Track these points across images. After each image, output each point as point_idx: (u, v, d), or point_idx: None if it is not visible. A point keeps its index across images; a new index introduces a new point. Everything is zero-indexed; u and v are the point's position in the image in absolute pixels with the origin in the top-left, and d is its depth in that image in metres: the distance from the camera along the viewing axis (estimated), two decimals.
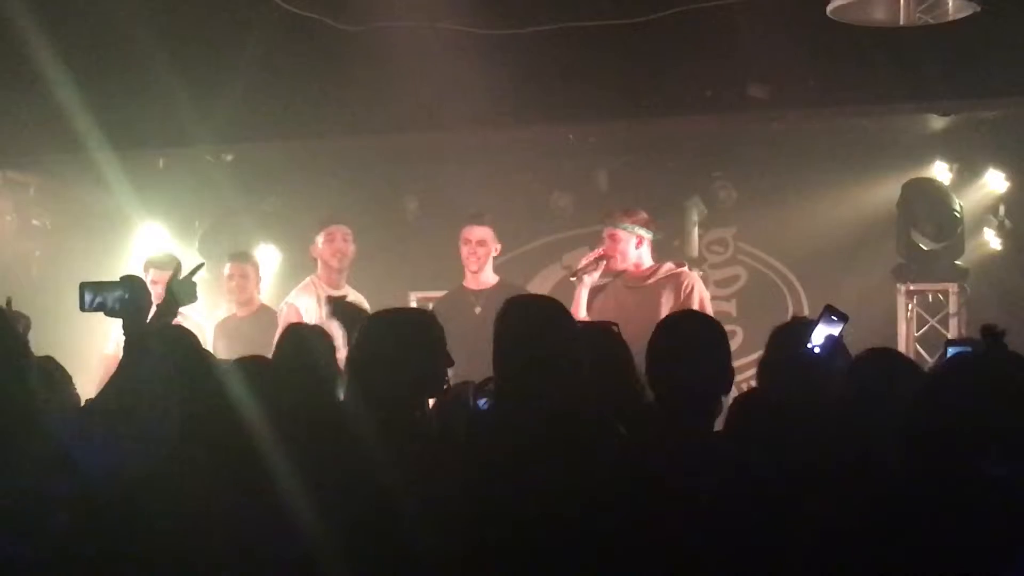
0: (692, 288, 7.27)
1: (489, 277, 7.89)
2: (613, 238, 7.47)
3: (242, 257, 8.72)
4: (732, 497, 3.43)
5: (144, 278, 8.15)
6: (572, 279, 7.56)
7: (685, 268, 7.58)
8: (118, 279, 4.47)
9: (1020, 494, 3.01)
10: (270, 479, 3.41)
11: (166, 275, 8.15)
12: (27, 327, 5.33)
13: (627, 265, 7.46)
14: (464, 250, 7.88)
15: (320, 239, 8.13)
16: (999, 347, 3.47)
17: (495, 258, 7.99)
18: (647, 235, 7.52)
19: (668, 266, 7.49)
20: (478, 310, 7.59)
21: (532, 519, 3.49)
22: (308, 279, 8.12)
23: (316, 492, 3.46)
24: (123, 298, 4.43)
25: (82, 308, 4.52)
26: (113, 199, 9.06)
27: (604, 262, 7.45)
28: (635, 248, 7.47)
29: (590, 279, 7.43)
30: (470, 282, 7.88)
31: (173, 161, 9.43)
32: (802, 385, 4.24)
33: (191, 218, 10.10)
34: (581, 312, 7.22)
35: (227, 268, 8.60)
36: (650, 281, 7.36)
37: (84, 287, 4.50)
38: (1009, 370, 3.27)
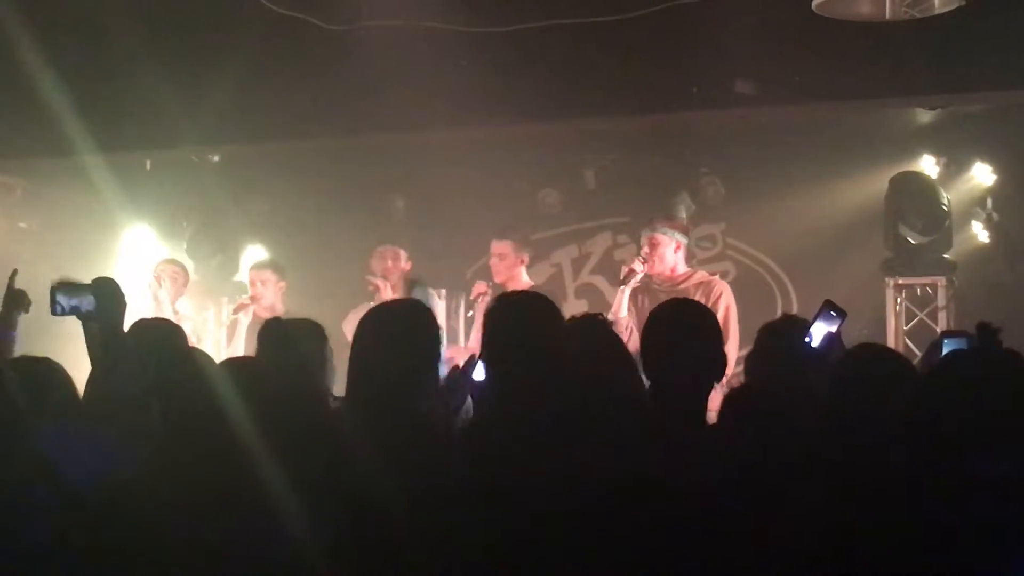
0: (720, 296, 7.41)
1: (520, 284, 8.08)
2: (653, 242, 7.62)
3: (261, 265, 8.84)
4: (723, 489, 3.43)
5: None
6: (622, 287, 7.62)
7: (716, 277, 7.82)
8: (89, 282, 4.43)
9: (1016, 493, 3.01)
10: (256, 480, 3.38)
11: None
12: (28, 304, 5.26)
13: (663, 268, 7.62)
14: (491, 262, 8.23)
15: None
16: (995, 344, 3.46)
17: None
18: (684, 240, 7.73)
19: (701, 274, 7.72)
20: None
21: (526, 518, 3.48)
22: None
23: (304, 493, 3.43)
24: (95, 301, 4.38)
25: (54, 312, 4.46)
26: (100, 201, 9.05)
27: (644, 267, 7.58)
28: (673, 253, 7.64)
29: (632, 283, 7.56)
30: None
31: (160, 162, 9.43)
32: (794, 379, 4.24)
33: (178, 219, 10.09)
34: (622, 313, 7.42)
35: (248, 275, 8.81)
36: (682, 286, 7.51)
37: (56, 291, 4.44)
38: (1005, 368, 3.25)
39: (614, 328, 4.83)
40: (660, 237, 7.60)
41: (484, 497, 3.56)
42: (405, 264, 8.47)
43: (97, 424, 4.13)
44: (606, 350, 4.43)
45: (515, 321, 3.95)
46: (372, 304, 7.97)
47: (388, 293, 8.13)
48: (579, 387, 3.88)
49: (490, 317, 3.99)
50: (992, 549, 2.96)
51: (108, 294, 4.39)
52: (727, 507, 3.39)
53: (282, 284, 8.64)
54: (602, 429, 3.77)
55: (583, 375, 4.08)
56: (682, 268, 7.68)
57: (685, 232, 7.80)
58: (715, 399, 3.88)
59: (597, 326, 4.66)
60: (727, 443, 3.65)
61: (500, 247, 8.14)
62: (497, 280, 8.10)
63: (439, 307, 8.34)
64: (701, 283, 7.53)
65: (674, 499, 3.42)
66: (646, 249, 7.60)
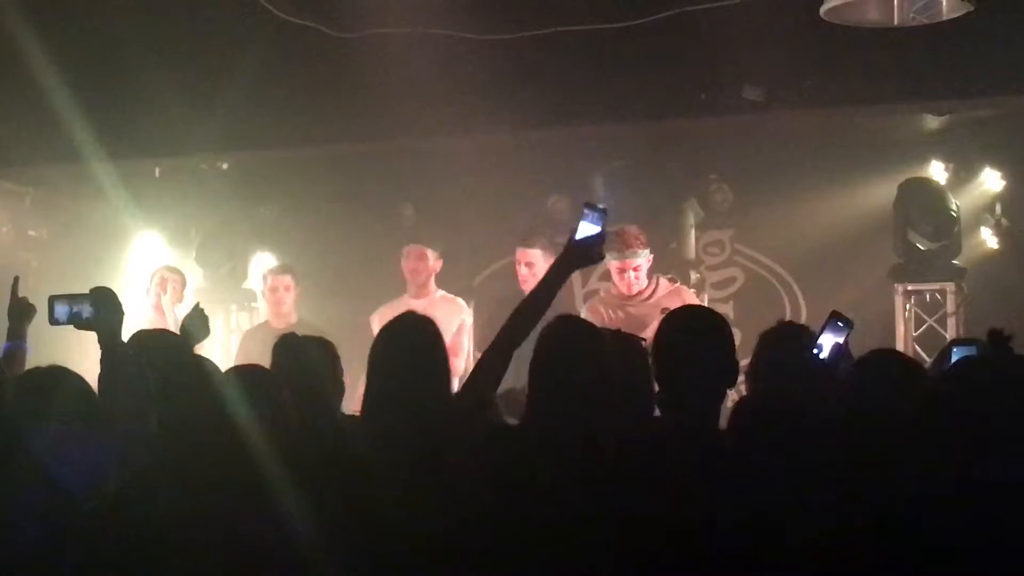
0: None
1: None
2: (637, 269, 7.53)
3: (280, 269, 8.79)
4: (736, 499, 3.42)
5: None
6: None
7: (678, 283, 7.88)
8: (87, 291, 4.44)
9: None
10: (260, 487, 3.37)
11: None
12: (33, 312, 5.24)
13: (640, 286, 7.56)
14: (519, 270, 7.88)
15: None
16: (1006, 351, 3.45)
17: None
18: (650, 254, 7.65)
19: (664, 283, 7.67)
20: None
21: (552, 540, 3.48)
22: None
23: (310, 503, 3.43)
24: (93, 310, 4.38)
25: (51, 322, 4.47)
26: (109, 208, 9.07)
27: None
28: (647, 268, 7.59)
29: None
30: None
31: (169, 170, 9.43)
32: (801, 388, 4.23)
33: (187, 227, 10.11)
34: None
35: (267, 280, 8.74)
36: (652, 300, 7.46)
37: (53, 300, 4.45)
38: (1017, 374, 3.24)
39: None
40: (641, 262, 7.54)
41: (506, 526, 3.55)
42: (434, 263, 8.31)
43: (94, 431, 4.13)
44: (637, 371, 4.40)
45: (565, 346, 3.93)
46: (398, 302, 7.95)
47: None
48: (617, 414, 3.88)
49: (542, 340, 3.96)
50: (1004, 555, 2.96)
51: (106, 303, 4.40)
52: (740, 515, 3.39)
53: (298, 290, 8.65)
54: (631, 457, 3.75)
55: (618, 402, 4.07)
56: (644, 281, 7.63)
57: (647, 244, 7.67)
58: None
59: (634, 346, 4.63)
60: (739, 451, 3.65)
61: (529, 255, 7.78)
62: (524, 289, 7.91)
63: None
64: (670, 292, 7.54)
65: (684, 508, 3.42)
66: (635, 276, 7.52)
